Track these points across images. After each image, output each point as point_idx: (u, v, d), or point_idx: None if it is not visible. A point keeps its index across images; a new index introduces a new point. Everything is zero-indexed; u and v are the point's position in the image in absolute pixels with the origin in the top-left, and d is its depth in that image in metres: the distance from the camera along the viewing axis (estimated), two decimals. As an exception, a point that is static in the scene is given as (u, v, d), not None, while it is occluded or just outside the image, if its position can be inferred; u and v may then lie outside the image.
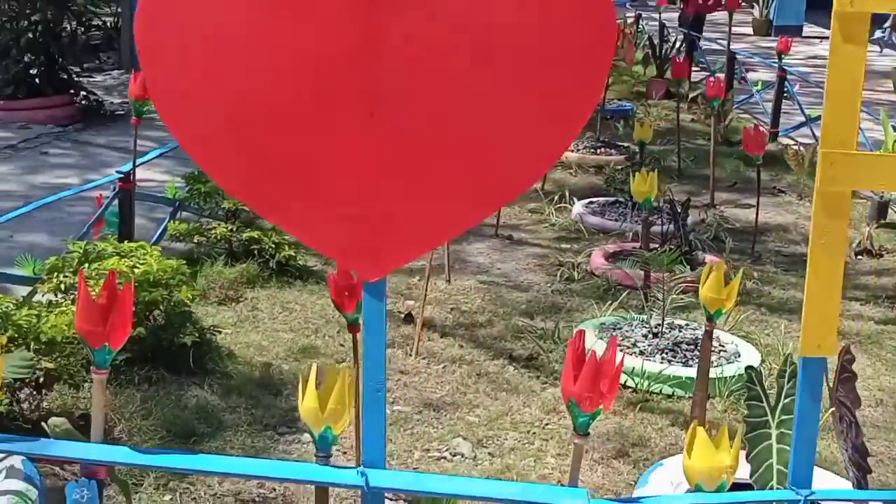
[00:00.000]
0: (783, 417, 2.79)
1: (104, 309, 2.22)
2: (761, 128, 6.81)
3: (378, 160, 2.17)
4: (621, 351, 4.28)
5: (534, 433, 3.80)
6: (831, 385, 2.97)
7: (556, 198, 6.77)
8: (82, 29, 8.71)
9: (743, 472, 2.63)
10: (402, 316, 4.64)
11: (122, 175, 4.78)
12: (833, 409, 2.98)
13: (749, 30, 15.07)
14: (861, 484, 2.91)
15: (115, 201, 4.75)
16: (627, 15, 12.04)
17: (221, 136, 2.20)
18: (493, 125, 2.18)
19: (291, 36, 2.11)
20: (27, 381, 3.42)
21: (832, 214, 2.28)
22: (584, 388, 2.28)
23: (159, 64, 2.13)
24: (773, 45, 10.76)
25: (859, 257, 6.02)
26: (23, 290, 3.96)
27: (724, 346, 4.34)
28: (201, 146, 2.23)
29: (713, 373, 3.83)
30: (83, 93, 8.47)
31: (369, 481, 2.27)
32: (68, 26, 8.50)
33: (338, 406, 2.26)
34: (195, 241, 5.16)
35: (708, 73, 9.05)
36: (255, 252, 5.02)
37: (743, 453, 2.65)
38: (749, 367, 3.04)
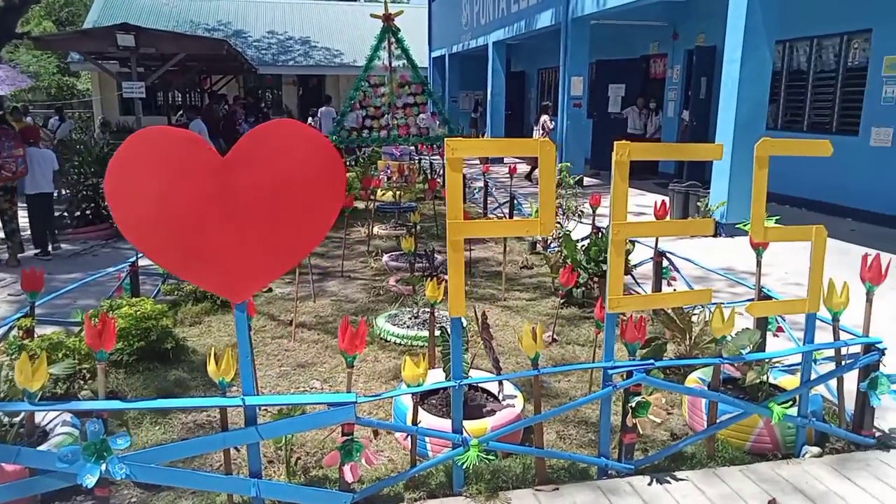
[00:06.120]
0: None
1: (99, 331, 2.31)
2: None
3: (233, 241, 2.35)
4: (399, 326, 4.47)
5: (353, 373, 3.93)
6: (480, 328, 3.27)
7: (375, 253, 6.84)
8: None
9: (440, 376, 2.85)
10: (289, 321, 4.66)
11: (131, 262, 4.73)
12: (482, 340, 3.28)
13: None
14: (498, 374, 3.22)
15: (128, 277, 4.69)
16: (413, 159, 12.35)
17: (153, 237, 2.32)
18: (291, 221, 2.39)
19: (185, 184, 2.28)
20: (78, 374, 3.38)
21: (455, 249, 2.59)
22: (346, 345, 2.50)
23: (118, 207, 2.26)
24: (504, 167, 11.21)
25: (522, 269, 6.27)
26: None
27: (440, 319, 4.54)
28: (144, 244, 2.34)
29: (437, 332, 4.07)
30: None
31: (245, 401, 2.43)
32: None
33: (227, 368, 2.42)
34: (176, 294, 5.01)
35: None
36: (209, 296, 4.90)
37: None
38: (442, 328, 3.31)
